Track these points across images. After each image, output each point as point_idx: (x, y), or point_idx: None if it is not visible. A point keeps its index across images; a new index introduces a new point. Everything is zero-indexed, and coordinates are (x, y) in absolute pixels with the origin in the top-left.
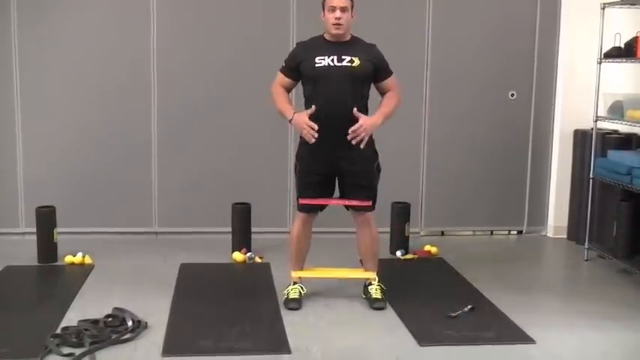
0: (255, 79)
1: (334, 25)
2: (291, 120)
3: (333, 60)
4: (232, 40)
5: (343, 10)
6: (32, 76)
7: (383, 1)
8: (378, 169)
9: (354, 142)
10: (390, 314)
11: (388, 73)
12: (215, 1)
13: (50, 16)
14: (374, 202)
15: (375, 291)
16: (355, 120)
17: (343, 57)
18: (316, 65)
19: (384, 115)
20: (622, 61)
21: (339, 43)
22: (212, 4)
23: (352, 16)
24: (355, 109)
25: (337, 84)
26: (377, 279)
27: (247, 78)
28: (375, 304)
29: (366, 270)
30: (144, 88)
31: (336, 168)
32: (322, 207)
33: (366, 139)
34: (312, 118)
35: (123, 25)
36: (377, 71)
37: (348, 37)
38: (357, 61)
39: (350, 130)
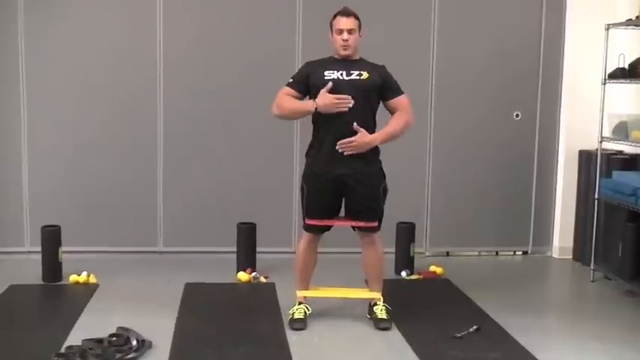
0: (260, 99)
1: (342, 46)
2: (316, 108)
3: (342, 74)
4: (238, 59)
5: (350, 32)
6: (38, 95)
7: (388, 21)
8: (385, 191)
9: (339, 150)
10: (395, 335)
11: (397, 92)
12: (221, 19)
13: (57, 31)
14: (380, 223)
15: (380, 311)
16: (364, 129)
17: (352, 71)
18: (326, 77)
19: (387, 134)
20: (626, 82)
21: (348, 60)
22: (218, 22)
23: (360, 36)
24: (355, 124)
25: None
26: (382, 299)
27: (253, 98)
28: (380, 325)
29: (372, 290)
30: (149, 107)
31: (343, 188)
32: (328, 227)
33: (354, 152)
34: (318, 136)
35: (128, 47)
36: (385, 88)
37: (357, 57)
38: (365, 75)
39: (339, 142)
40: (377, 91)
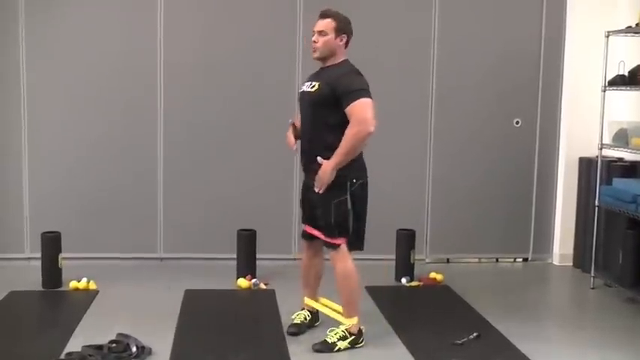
0: (261, 105)
1: (311, 48)
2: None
3: (306, 86)
4: (239, 64)
5: (320, 33)
6: (39, 99)
7: (389, 29)
8: (341, 207)
9: (319, 192)
10: (395, 342)
11: (348, 100)
12: (222, 22)
13: (57, 32)
14: (357, 244)
15: (333, 334)
16: (315, 143)
17: (313, 82)
18: (299, 92)
19: (338, 155)
20: (626, 89)
21: (322, 68)
22: (219, 25)
23: (341, 41)
24: (319, 158)
25: (303, 109)
26: (354, 325)
27: (253, 104)
28: (316, 344)
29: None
30: (150, 114)
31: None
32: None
33: (327, 184)
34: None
35: (128, 50)
36: (337, 98)
37: (335, 62)
38: (316, 86)
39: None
40: (325, 102)
